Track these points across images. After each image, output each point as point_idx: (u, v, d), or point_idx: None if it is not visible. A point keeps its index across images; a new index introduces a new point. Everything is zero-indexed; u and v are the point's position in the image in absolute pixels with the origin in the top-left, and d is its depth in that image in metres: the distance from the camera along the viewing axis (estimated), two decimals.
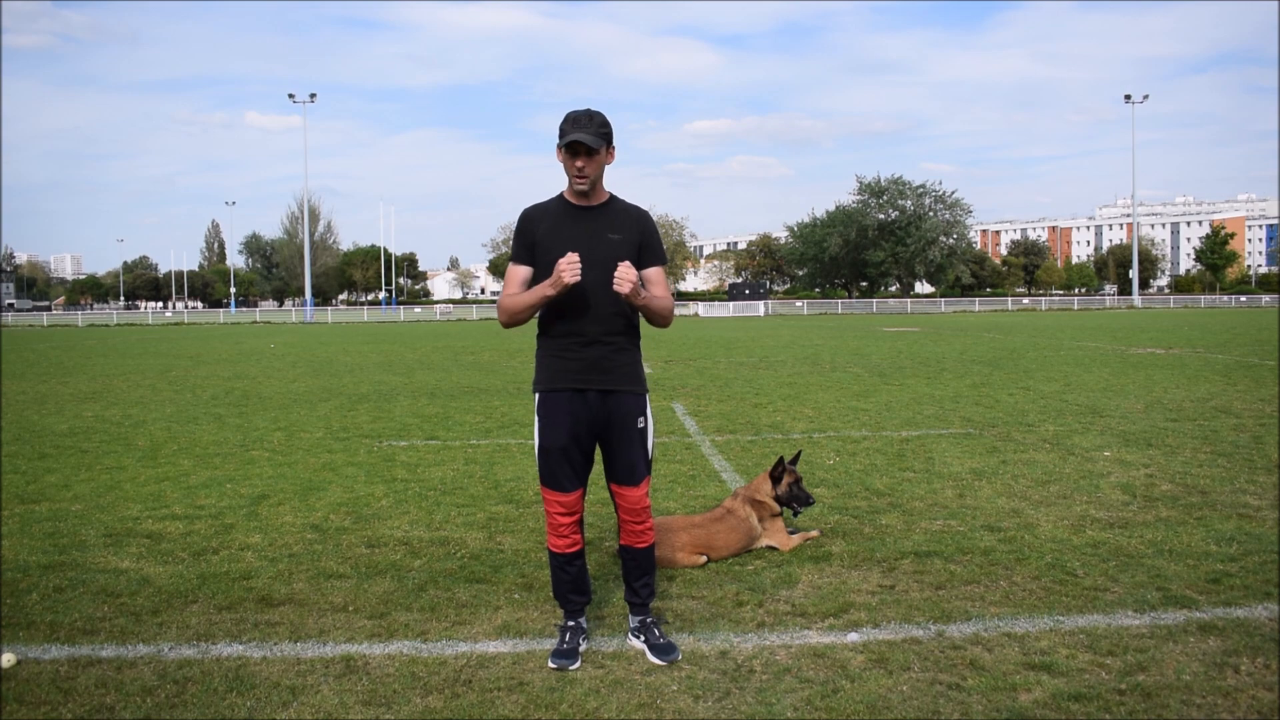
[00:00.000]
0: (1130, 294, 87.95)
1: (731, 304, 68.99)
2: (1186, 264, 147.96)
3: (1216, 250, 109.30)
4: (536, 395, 3.90)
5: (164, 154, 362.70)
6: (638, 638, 3.88)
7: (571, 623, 3.87)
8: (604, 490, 4.04)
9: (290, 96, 72.14)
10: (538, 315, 3.87)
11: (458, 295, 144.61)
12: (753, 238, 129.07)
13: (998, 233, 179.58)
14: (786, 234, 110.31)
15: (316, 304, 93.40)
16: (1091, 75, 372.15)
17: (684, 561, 4.91)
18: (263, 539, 5.52)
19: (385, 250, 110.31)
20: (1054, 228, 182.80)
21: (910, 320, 50.26)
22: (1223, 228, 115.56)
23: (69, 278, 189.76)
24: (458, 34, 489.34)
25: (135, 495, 6.74)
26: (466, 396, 12.94)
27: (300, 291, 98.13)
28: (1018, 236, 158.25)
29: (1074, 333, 30.06)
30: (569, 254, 3.62)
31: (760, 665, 3.67)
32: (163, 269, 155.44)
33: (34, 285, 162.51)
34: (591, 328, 3.77)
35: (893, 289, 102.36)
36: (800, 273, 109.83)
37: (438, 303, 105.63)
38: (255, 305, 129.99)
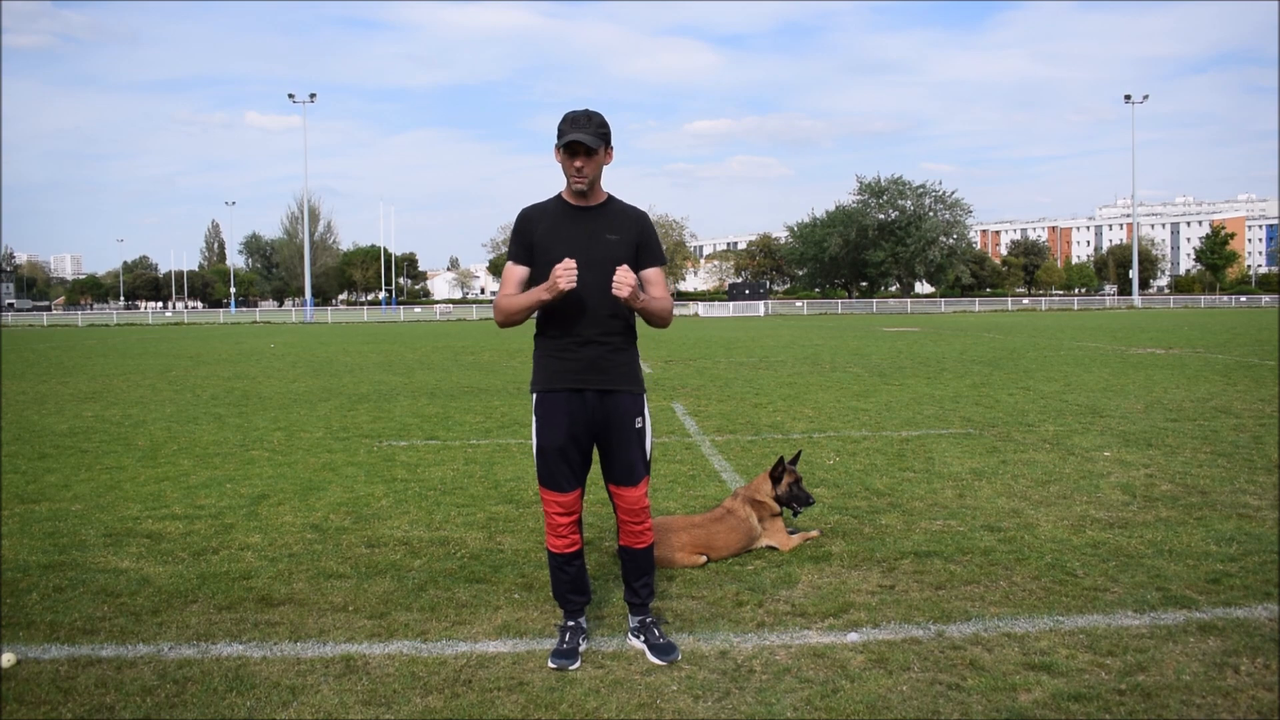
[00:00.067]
0: (1130, 294, 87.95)
1: (731, 304, 69.01)
2: (1186, 264, 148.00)
3: (1216, 250, 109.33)
4: (534, 395, 3.90)
5: (164, 154, 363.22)
6: (637, 638, 3.88)
7: (571, 623, 3.87)
8: (604, 490, 4.04)
9: (290, 96, 72.23)
10: (535, 315, 3.87)
11: (458, 295, 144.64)
12: (753, 238, 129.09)
13: (998, 233, 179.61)
14: (786, 234, 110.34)
15: (316, 304, 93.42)
16: (1091, 75, 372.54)
17: (684, 561, 4.91)
18: (263, 539, 5.52)
19: (385, 250, 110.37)
20: (1054, 228, 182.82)
21: (910, 320, 50.26)
22: (1223, 228, 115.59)
23: (69, 278, 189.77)
24: (458, 34, 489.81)
25: (135, 495, 6.74)
26: (466, 396, 12.95)
27: (300, 291, 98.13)
28: (1018, 236, 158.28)
29: (1074, 333, 30.06)
30: (565, 260, 3.62)
31: (760, 665, 3.67)
32: (163, 269, 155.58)
33: (34, 285, 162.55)
34: (589, 328, 3.77)
35: (893, 289, 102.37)
36: (800, 273, 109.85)
37: (438, 303, 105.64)
38: (255, 305, 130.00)
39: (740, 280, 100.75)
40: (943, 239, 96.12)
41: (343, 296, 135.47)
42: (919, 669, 3.60)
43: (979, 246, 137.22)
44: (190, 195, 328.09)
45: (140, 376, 17.11)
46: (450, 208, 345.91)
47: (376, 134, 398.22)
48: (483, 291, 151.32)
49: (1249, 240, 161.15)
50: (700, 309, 70.76)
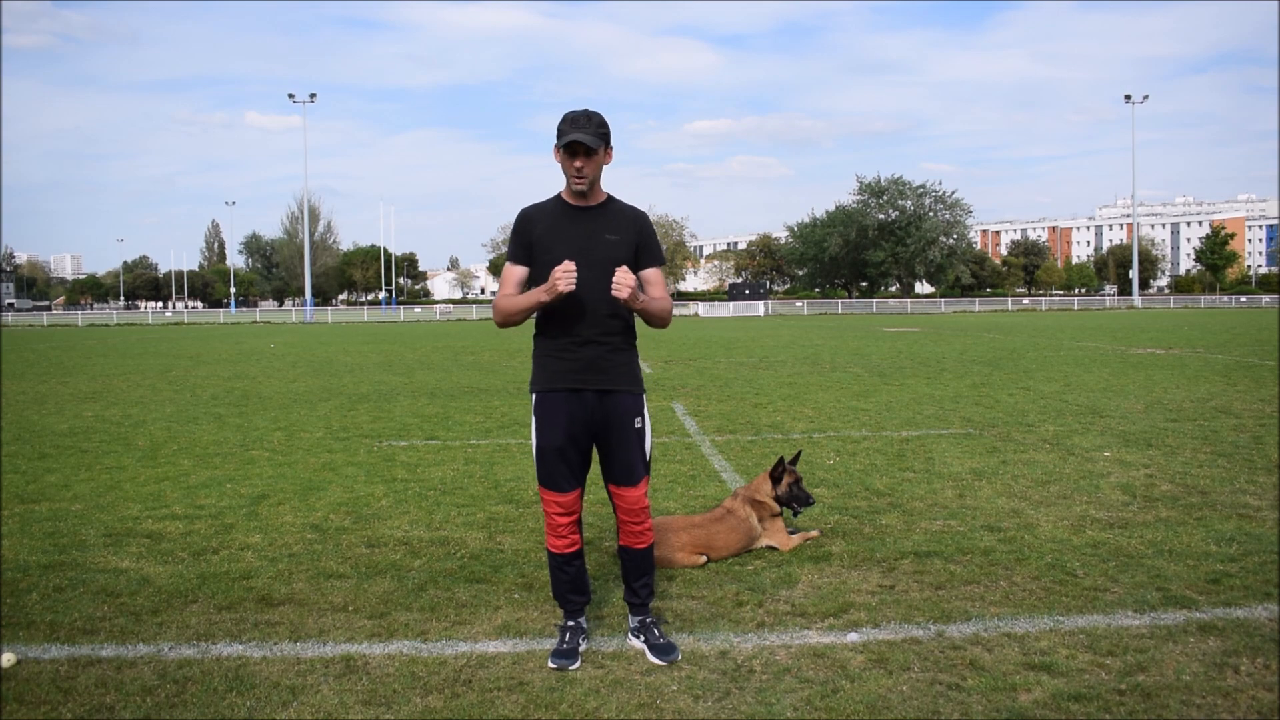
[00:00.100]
0: (1130, 294, 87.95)
1: (731, 304, 69.00)
2: (1186, 264, 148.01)
3: (1216, 250, 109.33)
4: (534, 396, 3.90)
5: (164, 154, 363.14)
6: (637, 638, 3.88)
7: (571, 623, 3.87)
8: (604, 490, 4.04)
9: (290, 96, 72.22)
10: (535, 315, 3.87)
11: (458, 295, 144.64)
12: (753, 238, 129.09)
13: (998, 233, 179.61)
14: (786, 234, 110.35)
15: (316, 304, 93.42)
16: (1091, 75, 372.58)
17: (684, 561, 4.91)
18: (263, 539, 5.52)
19: (385, 250, 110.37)
20: (1054, 228, 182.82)
21: (910, 320, 50.26)
22: (1223, 228, 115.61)
23: (69, 278, 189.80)
24: (458, 34, 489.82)
25: (135, 495, 6.74)
26: (466, 396, 12.95)
27: (300, 291, 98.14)
28: (1018, 236, 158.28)
29: (1074, 333, 30.06)
30: (565, 262, 3.62)
31: (760, 665, 3.67)
32: (163, 269, 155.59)
33: (34, 285, 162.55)
34: (588, 328, 3.77)
35: (893, 289, 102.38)
36: (800, 273, 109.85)
37: (438, 303, 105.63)
38: (255, 305, 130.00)
39: (740, 280, 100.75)
40: (943, 239, 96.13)
41: (343, 296, 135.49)
42: (919, 669, 3.60)
43: (979, 246, 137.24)
44: (190, 195, 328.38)
45: (140, 376, 17.11)
46: (450, 208, 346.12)
47: (376, 134, 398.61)
48: (483, 291, 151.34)
49: (1249, 240, 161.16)
50: (700, 309, 70.76)
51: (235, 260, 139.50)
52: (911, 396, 12.25)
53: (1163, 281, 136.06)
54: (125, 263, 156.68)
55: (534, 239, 3.81)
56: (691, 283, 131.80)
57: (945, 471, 7.26)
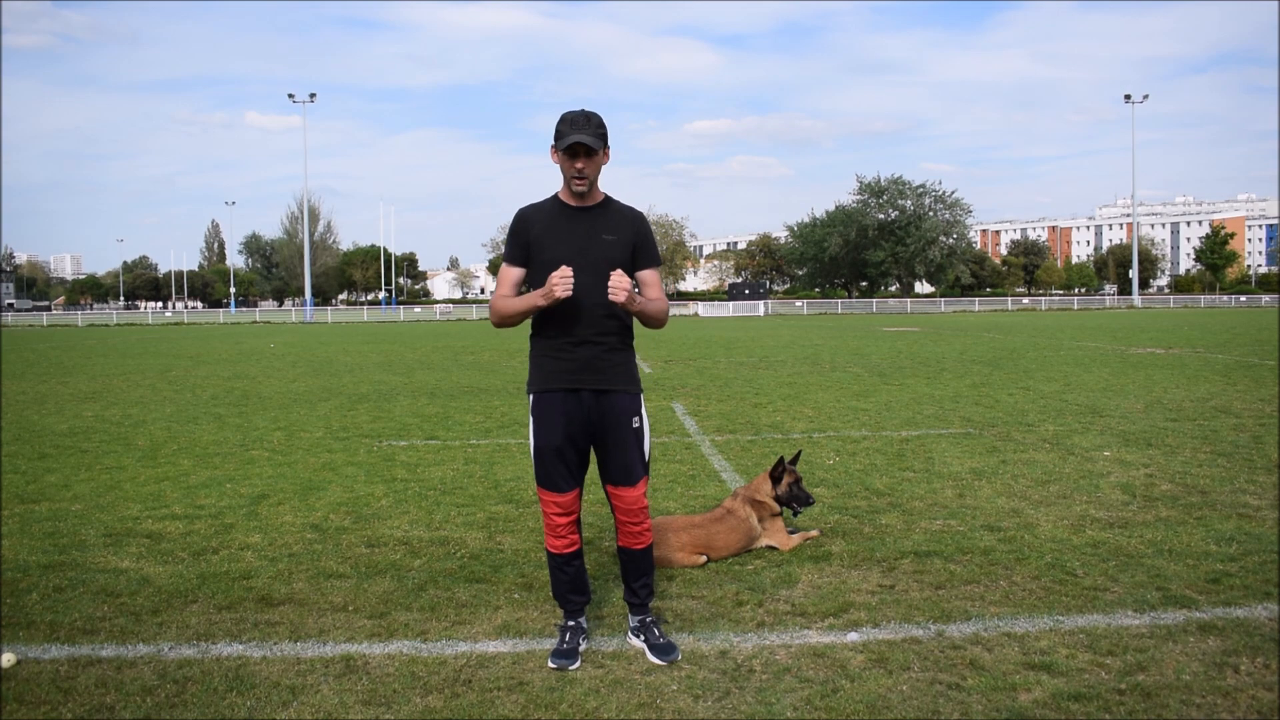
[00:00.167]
0: (1130, 294, 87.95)
1: (731, 304, 69.01)
2: (1186, 264, 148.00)
3: (1216, 250, 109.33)
4: (531, 396, 3.90)
5: (164, 154, 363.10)
6: (637, 637, 3.88)
7: (571, 622, 3.87)
8: (603, 490, 4.04)
9: (290, 96, 72.24)
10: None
11: (457, 295, 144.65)
12: (753, 238, 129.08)
13: (998, 233, 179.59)
14: (786, 234, 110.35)
15: (316, 304, 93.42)
16: (1091, 75, 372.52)
17: (684, 561, 4.91)
18: (263, 539, 5.52)
19: (385, 250, 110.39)
20: (1054, 228, 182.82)
21: (910, 320, 50.26)
22: (1222, 228, 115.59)
23: (69, 278, 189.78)
24: (458, 34, 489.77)
25: (135, 495, 6.74)
26: (466, 396, 12.95)
27: (300, 291, 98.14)
28: (1018, 236, 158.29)
29: (1074, 333, 30.07)
30: (562, 268, 3.63)
31: (760, 665, 3.67)
32: (163, 269, 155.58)
33: (34, 285, 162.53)
34: (585, 328, 3.77)
35: (893, 289, 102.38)
36: (800, 273, 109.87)
37: (438, 303, 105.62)
38: (255, 305, 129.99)
39: (740, 280, 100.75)
40: (943, 239, 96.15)
41: (343, 296, 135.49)
42: (919, 669, 3.60)
43: (979, 246, 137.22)
44: (190, 195, 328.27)
45: (140, 376, 17.11)
46: (450, 208, 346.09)
47: (376, 134, 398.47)
48: (482, 291, 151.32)
49: (1249, 240, 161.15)
50: (700, 309, 70.76)
51: (235, 260, 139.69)
52: (911, 396, 12.25)
53: (1163, 281, 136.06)
54: (125, 263, 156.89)
55: (531, 239, 3.82)
56: (691, 283, 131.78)
57: (945, 471, 7.26)
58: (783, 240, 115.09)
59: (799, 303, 77.02)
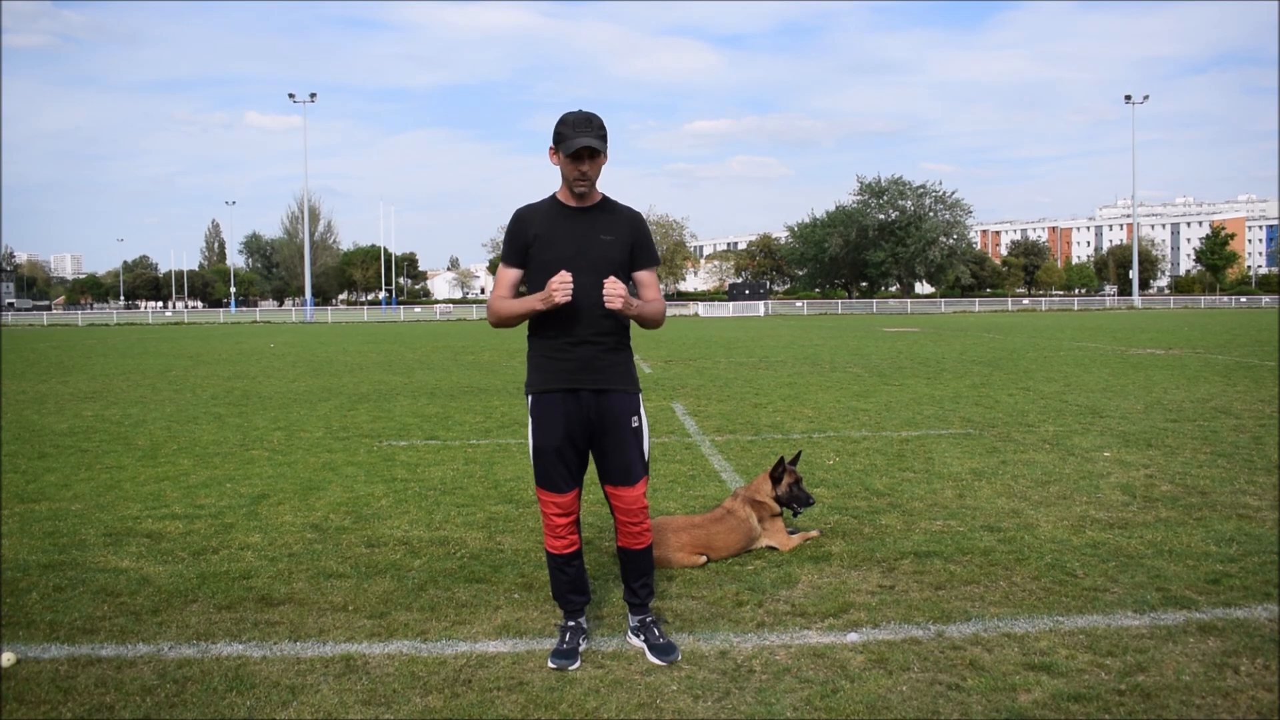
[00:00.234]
0: (1130, 294, 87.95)
1: (731, 304, 69.03)
2: (1186, 264, 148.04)
3: (1216, 251, 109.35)
4: (530, 397, 3.90)
5: (164, 154, 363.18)
6: (637, 637, 3.88)
7: (571, 623, 3.87)
8: (602, 490, 4.03)
9: (290, 96, 72.25)
10: None
11: (458, 295, 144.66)
12: (753, 238, 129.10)
13: (998, 233, 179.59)
14: (786, 234, 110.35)
15: (316, 304, 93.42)
16: (1091, 75, 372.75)
17: (683, 562, 4.91)
18: (263, 539, 5.52)
19: (385, 250, 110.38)
20: (1054, 228, 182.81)
21: (910, 320, 50.26)
22: (1223, 228, 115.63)
23: (69, 277, 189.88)
24: (458, 34, 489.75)
25: (135, 495, 6.74)
26: (466, 396, 12.95)
27: (300, 291, 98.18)
28: (1018, 237, 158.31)
29: (1074, 333, 30.07)
30: (561, 273, 3.63)
31: (760, 665, 3.67)
32: (163, 269, 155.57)
33: (34, 285, 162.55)
34: (583, 328, 3.78)
35: (893, 289, 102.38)
36: (800, 273, 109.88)
37: (438, 303, 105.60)
38: (255, 305, 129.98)
39: (740, 280, 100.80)
40: (943, 239, 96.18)
41: (343, 296, 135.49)
42: (919, 669, 3.60)
43: (979, 247, 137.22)
44: (190, 195, 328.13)
45: (140, 376, 17.11)
46: (450, 208, 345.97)
47: (376, 134, 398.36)
48: (482, 291, 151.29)
49: (1249, 241, 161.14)
50: (700, 309, 70.78)
51: (235, 260, 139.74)
52: (911, 397, 12.25)
53: (1163, 282, 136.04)
54: (125, 262, 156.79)
55: (530, 240, 3.82)
56: (691, 283, 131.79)
57: (945, 471, 7.26)
58: (783, 240, 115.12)
59: (799, 303, 77.02)
